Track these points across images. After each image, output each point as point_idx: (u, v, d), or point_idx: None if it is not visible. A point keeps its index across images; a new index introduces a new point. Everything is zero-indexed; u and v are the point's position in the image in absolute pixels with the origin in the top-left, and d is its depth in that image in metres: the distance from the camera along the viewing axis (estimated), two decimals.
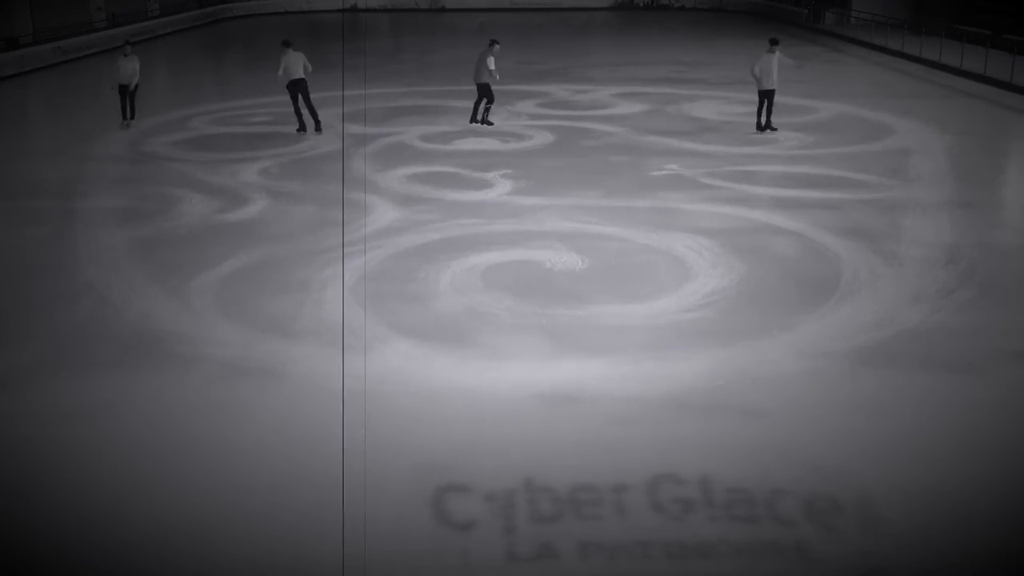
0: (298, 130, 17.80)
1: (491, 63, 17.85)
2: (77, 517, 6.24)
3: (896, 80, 24.88)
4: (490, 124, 18.42)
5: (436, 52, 32.32)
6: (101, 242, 11.79)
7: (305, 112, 17.66)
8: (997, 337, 8.90)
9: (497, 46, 18.17)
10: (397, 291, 10.04)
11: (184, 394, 7.93)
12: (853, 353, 8.52)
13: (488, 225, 12.31)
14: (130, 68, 18.41)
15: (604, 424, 7.35)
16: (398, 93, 22.70)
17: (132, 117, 18.79)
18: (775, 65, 17.16)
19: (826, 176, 14.60)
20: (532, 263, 10.88)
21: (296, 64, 17.32)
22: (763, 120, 17.70)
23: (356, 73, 26.20)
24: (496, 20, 43.88)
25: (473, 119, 18.56)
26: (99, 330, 9.24)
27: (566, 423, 7.38)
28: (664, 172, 15.02)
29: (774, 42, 17.44)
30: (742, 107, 20.48)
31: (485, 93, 18.29)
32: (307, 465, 6.80)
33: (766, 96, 17.46)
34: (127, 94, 18.61)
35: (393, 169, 15.14)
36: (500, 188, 14.10)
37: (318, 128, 17.75)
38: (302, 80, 17.40)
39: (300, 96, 17.50)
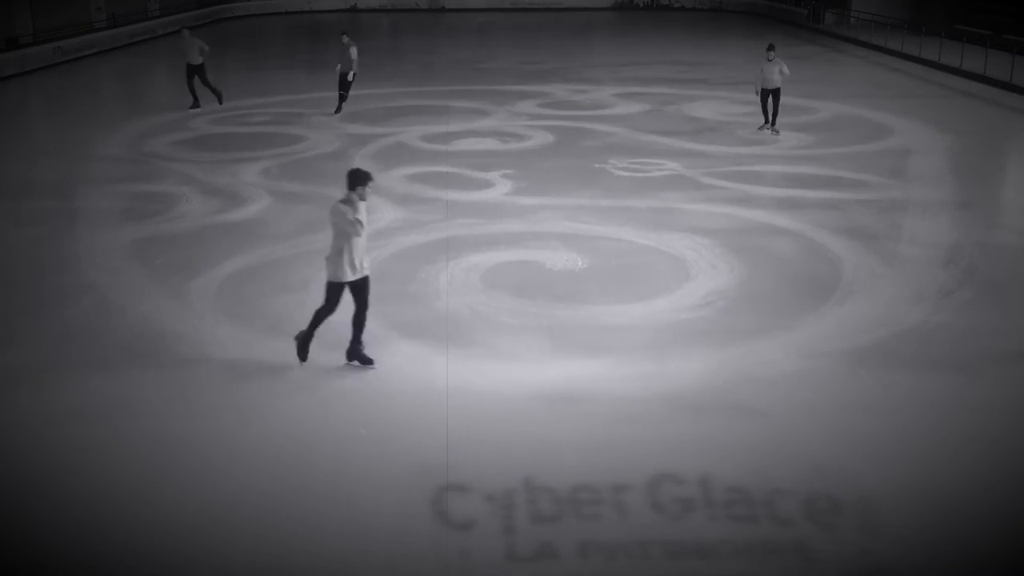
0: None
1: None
2: (75, 518, 6.23)
3: (896, 80, 24.89)
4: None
5: (436, 52, 32.33)
6: (101, 242, 11.79)
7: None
8: (997, 337, 8.90)
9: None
10: (398, 291, 10.04)
11: (184, 394, 7.93)
12: (853, 353, 8.52)
13: (488, 225, 12.32)
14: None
15: (604, 424, 7.35)
16: (398, 93, 22.70)
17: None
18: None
19: (826, 176, 14.61)
20: (532, 263, 10.88)
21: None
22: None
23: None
24: (496, 20, 43.90)
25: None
26: (99, 330, 9.24)
27: (566, 423, 7.38)
28: (664, 172, 15.02)
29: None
30: (742, 107, 20.50)
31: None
32: (307, 465, 6.81)
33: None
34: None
35: (393, 169, 15.15)
36: (500, 188, 14.10)
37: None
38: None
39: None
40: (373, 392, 7.89)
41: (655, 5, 50.74)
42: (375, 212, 12.87)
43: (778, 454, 6.90)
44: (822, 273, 10.45)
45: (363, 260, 7.89)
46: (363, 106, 20.73)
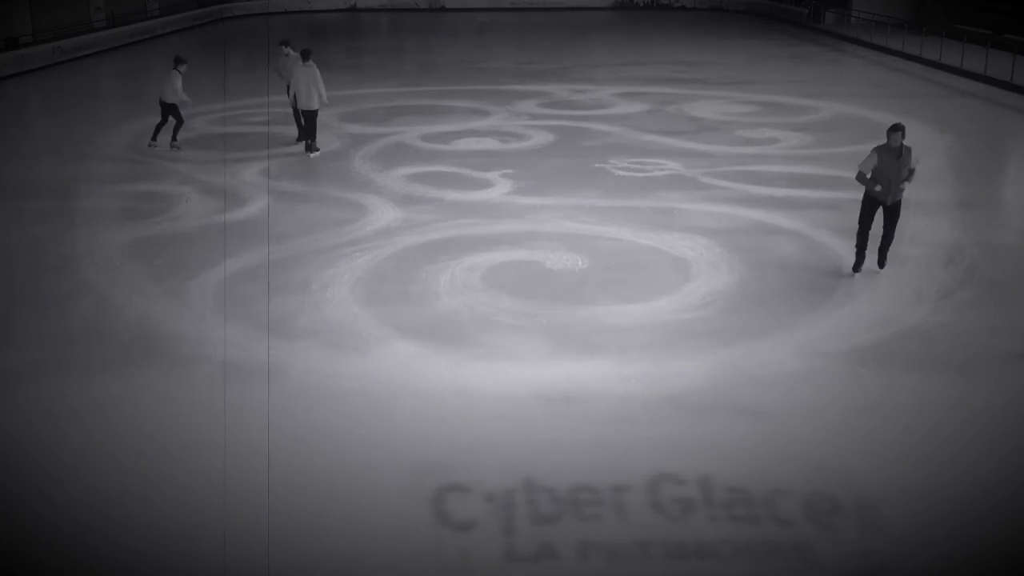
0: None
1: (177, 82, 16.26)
2: (75, 518, 6.23)
3: (897, 80, 24.87)
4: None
5: (436, 52, 32.32)
6: (101, 242, 11.79)
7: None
8: (997, 337, 8.89)
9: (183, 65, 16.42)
10: (397, 291, 10.04)
11: (184, 394, 7.93)
12: (853, 353, 8.52)
13: (488, 225, 12.31)
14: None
15: (604, 424, 7.35)
16: (398, 93, 22.70)
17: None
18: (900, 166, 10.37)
19: (826, 176, 14.59)
20: (532, 263, 10.88)
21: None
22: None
23: (356, 73, 26.19)
24: (496, 20, 43.91)
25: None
26: (99, 330, 9.23)
27: (566, 423, 7.38)
28: (664, 172, 15.02)
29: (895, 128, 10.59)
30: (742, 107, 20.51)
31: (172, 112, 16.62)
32: (308, 465, 6.80)
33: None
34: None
35: (393, 169, 15.14)
36: (500, 188, 14.10)
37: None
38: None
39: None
40: (373, 392, 7.89)
41: (655, 5, 50.76)
42: (375, 212, 12.89)
43: (778, 454, 6.89)
44: (822, 273, 10.45)
45: None
46: (363, 106, 20.74)
